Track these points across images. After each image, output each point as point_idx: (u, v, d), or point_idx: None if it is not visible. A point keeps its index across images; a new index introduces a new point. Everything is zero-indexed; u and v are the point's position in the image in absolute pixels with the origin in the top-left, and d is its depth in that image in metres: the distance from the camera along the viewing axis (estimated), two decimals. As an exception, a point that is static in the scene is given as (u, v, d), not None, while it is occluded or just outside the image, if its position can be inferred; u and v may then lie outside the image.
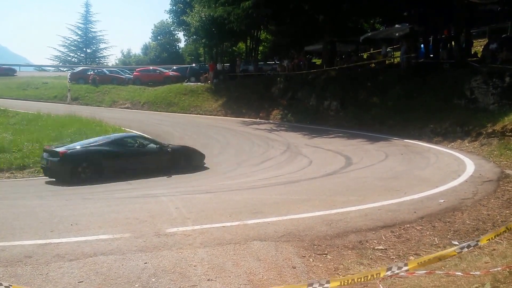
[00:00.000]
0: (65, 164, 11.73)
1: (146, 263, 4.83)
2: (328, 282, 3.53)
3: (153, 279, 4.39)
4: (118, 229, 6.19)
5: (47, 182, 12.07)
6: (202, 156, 14.20)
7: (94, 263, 4.82)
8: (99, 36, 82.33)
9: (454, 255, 4.49)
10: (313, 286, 3.42)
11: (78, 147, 12.55)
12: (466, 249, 4.04)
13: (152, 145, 13.58)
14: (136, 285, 4.27)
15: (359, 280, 3.63)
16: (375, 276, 3.72)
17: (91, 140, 13.47)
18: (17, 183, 12.59)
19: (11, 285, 2.74)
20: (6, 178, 13.07)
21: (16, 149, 15.06)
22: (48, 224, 6.48)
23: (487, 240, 4.21)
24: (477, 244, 4.11)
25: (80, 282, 4.34)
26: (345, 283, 3.54)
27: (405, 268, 3.77)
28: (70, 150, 12.07)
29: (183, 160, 13.54)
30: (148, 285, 4.26)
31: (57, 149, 12.06)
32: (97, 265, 4.75)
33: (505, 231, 4.14)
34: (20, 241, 5.61)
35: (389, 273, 3.77)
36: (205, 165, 14.11)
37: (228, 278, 4.46)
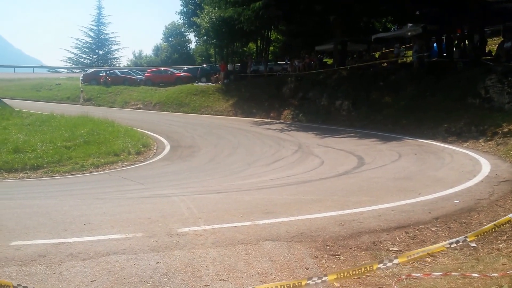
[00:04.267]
0: None
1: (158, 262, 4.82)
2: (325, 275, 3.63)
3: (165, 279, 4.38)
4: (130, 228, 6.20)
5: (60, 182, 12.13)
6: None
7: (106, 262, 4.83)
8: (111, 37, 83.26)
9: (444, 250, 4.44)
10: (312, 280, 3.44)
11: None
12: (454, 244, 4.02)
13: None
14: (148, 285, 4.26)
15: (353, 273, 3.69)
16: (368, 269, 3.74)
17: None
18: (31, 183, 12.66)
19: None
20: (20, 178, 13.16)
21: (30, 150, 15.15)
22: (62, 224, 6.50)
23: (475, 237, 4.18)
24: (465, 240, 4.07)
25: (93, 281, 4.34)
26: (341, 276, 3.65)
27: (396, 261, 3.78)
28: None
29: None
30: (160, 285, 4.25)
31: None
32: (110, 265, 4.75)
33: (493, 228, 4.08)
34: (34, 241, 5.63)
35: (381, 265, 3.79)
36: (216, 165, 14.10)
37: (240, 279, 4.43)
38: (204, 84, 36.64)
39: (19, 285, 2.76)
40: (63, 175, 13.46)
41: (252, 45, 48.73)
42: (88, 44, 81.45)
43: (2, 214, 7.43)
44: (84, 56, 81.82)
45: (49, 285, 4.26)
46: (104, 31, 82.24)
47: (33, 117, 22.54)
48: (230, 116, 29.94)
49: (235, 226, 6.28)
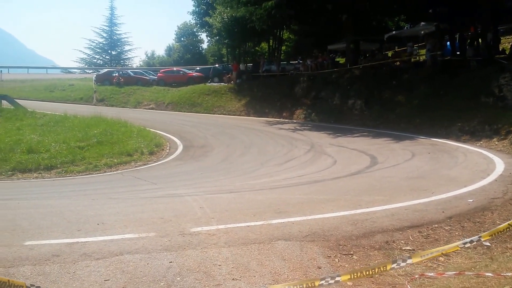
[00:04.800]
0: None
1: (171, 262, 4.84)
2: (339, 275, 3.62)
3: (178, 278, 4.40)
4: (143, 228, 6.23)
5: (74, 182, 12.22)
6: None
7: (120, 261, 4.85)
8: (123, 38, 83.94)
9: (458, 250, 4.40)
10: (325, 280, 3.42)
11: None
12: (469, 244, 4.00)
13: None
14: (162, 284, 4.28)
15: (367, 273, 3.68)
16: (381, 269, 3.73)
17: None
18: (44, 183, 12.79)
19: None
20: (34, 178, 13.30)
21: (44, 150, 15.30)
22: (75, 224, 6.55)
23: (489, 236, 4.15)
24: (479, 240, 4.05)
25: (106, 280, 4.37)
26: (355, 276, 3.64)
27: (409, 261, 3.77)
28: None
29: None
30: (173, 284, 4.27)
31: None
32: (123, 264, 4.78)
33: (508, 228, 4.03)
34: (48, 240, 5.68)
35: (394, 265, 3.76)
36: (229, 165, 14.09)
37: (252, 278, 4.43)
38: (216, 84, 36.69)
39: (32, 285, 2.79)
40: (77, 175, 13.58)
41: (264, 45, 48.73)
42: (100, 44, 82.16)
43: (16, 214, 7.51)
44: (97, 56, 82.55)
45: (63, 284, 4.29)
46: (116, 32, 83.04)
47: (46, 117, 22.74)
48: (242, 116, 29.95)
49: (248, 226, 6.28)
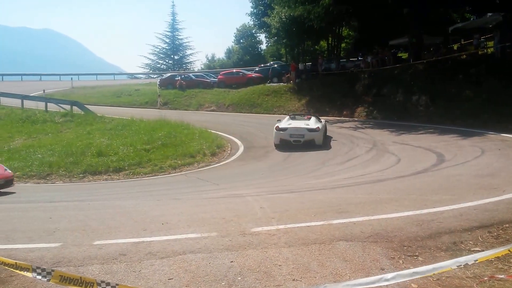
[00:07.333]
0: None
1: (232, 261, 4.87)
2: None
3: (239, 278, 4.42)
4: (205, 228, 6.32)
5: (141, 184, 12.63)
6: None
7: (183, 261, 4.94)
8: (185, 43, 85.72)
9: None
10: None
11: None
12: None
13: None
14: (223, 283, 4.32)
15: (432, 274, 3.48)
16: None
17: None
18: (113, 184, 13.33)
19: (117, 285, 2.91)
20: (104, 180, 13.90)
21: (112, 153, 15.98)
22: (141, 223, 6.75)
23: None
24: None
25: (170, 279, 4.46)
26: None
27: (477, 256, 3.47)
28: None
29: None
30: (234, 284, 4.30)
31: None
32: (186, 263, 4.86)
33: None
34: (115, 240, 5.87)
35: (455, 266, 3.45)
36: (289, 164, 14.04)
37: (313, 279, 4.38)
38: (275, 84, 36.71)
39: (102, 281, 2.91)
40: (143, 177, 14.05)
41: (323, 43, 48.27)
42: (164, 50, 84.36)
43: (87, 214, 7.85)
44: (160, 61, 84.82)
45: (129, 283, 4.39)
46: (178, 37, 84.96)
47: (114, 122, 23.65)
48: (302, 115, 29.76)
49: (308, 226, 6.22)
